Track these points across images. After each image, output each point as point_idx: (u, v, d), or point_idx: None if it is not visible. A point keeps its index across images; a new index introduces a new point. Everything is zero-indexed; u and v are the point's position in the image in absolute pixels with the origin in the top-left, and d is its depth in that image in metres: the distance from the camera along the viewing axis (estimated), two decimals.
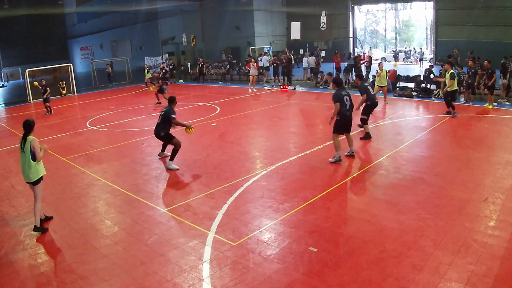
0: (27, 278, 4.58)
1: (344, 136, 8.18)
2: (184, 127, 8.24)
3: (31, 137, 5.67)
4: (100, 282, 4.38)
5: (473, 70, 13.52)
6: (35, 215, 5.70)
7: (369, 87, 9.85)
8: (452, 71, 11.64)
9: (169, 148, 8.47)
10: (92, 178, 7.98)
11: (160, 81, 17.12)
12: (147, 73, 24.46)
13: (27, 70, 21.75)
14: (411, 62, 32.54)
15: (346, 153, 8.18)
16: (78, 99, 21.66)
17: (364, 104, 9.58)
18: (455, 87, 11.77)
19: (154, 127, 8.38)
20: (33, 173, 5.65)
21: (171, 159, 8.19)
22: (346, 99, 7.76)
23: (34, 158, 5.62)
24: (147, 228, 5.66)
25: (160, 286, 4.26)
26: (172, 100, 8.45)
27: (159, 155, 8.99)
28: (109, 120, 14.27)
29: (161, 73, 20.45)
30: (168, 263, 4.70)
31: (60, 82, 22.67)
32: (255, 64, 20.69)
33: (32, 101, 20.78)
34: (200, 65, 25.27)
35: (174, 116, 8.14)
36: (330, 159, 7.89)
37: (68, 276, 4.53)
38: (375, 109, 10.13)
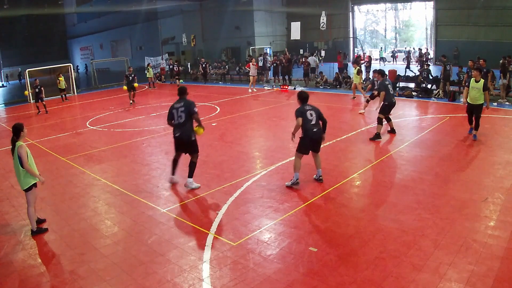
0: (27, 278, 4.58)
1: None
2: (200, 125, 6.82)
3: (19, 143, 5.45)
4: (100, 282, 4.38)
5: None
6: (30, 220, 5.65)
7: (389, 85, 9.63)
8: (482, 79, 9.04)
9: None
10: (92, 178, 7.98)
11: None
12: (150, 71, 24.37)
13: (27, 70, 21.74)
14: (412, 62, 32.48)
15: (314, 176, 7.12)
16: (78, 99, 21.66)
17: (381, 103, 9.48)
18: (482, 100, 9.01)
19: (177, 129, 6.74)
20: (23, 181, 5.49)
21: (191, 175, 6.89)
22: (311, 113, 6.76)
23: (22, 165, 5.43)
24: (147, 228, 5.66)
25: (160, 286, 4.26)
26: (184, 91, 6.91)
27: (171, 181, 7.24)
28: (109, 120, 14.27)
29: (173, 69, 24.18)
30: (168, 263, 4.69)
31: (59, 79, 20.41)
32: (255, 64, 20.69)
33: (32, 101, 20.75)
34: (203, 65, 25.40)
35: (197, 110, 6.73)
36: (287, 183, 6.87)
37: (68, 276, 4.53)
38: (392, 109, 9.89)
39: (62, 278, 4.51)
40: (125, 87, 17.68)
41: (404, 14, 44.07)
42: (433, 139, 9.55)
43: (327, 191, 6.57)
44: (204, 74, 25.47)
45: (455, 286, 3.95)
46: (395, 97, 9.93)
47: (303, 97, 7.03)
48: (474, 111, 9.11)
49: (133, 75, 17.75)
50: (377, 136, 9.50)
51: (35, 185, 5.63)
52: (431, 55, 28.47)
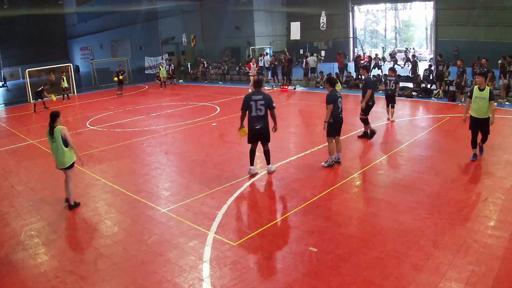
0: (27, 278, 4.58)
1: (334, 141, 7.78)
2: (275, 121, 7.18)
3: (59, 127, 6.22)
4: (100, 282, 4.38)
5: (461, 70, 13.48)
6: (69, 195, 6.39)
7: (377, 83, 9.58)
8: (488, 87, 7.38)
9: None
10: (92, 178, 7.98)
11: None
12: (162, 70, 24.49)
13: (27, 70, 21.77)
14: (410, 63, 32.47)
15: (329, 162, 7.75)
16: (78, 99, 21.66)
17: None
18: (489, 112, 7.35)
19: (258, 122, 7.01)
20: (67, 159, 6.27)
21: (269, 161, 7.45)
22: (340, 100, 7.55)
23: (66, 144, 6.18)
24: (147, 228, 5.66)
25: (160, 286, 4.26)
26: (261, 83, 7.47)
27: (250, 173, 7.43)
28: (109, 120, 14.27)
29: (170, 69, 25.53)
30: (168, 263, 4.69)
31: (63, 77, 20.99)
32: (255, 64, 20.68)
33: (32, 101, 20.77)
34: (204, 65, 25.77)
35: (275, 106, 7.15)
36: (323, 163, 7.69)
37: (68, 276, 4.53)
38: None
39: (62, 278, 4.51)
40: (115, 78, 21.67)
41: (404, 14, 44.13)
42: (433, 139, 9.55)
43: (327, 191, 6.57)
44: (204, 74, 25.66)
45: (455, 286, 3.95)
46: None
47: (332, 82, 7.67)
48: (480, 127, 7.45)
49: (121, 72, 21.66)
50: (365, 134, 9.44)
51: (73, 163, 6.34)
52: (429, 55, 28.47)
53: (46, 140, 6.17)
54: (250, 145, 7.35)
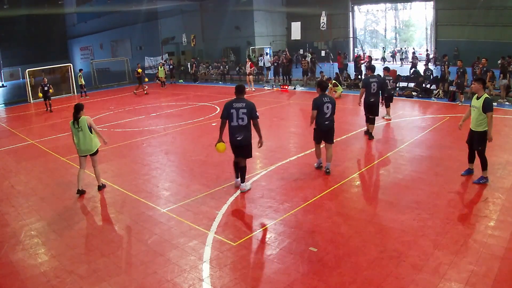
0: (27, 278, 4.58)
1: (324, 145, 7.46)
2: (259, 134, 6.41)
3: (84, 117, 6.82)
4: (100, 282, 4.38)
5: (461, 70, 13.47)
6: (97, 177, 7.19)
7: (373, 83, 9.28)
8: (486, 95, 6.37)
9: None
10: (92, 178, 7.96)
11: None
12: (160, 70, 24.66)
13: (27, 70, 21.78)
14: (410, 63, 32.46)
15: (317, 165, 7.59)
16: (78, 99, 21.66)
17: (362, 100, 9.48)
18: (486, 125, 6.34)
19: (239, 133, 6.30)
20: (94, 145, 6.96)
21: (244, 180, 6.69)
22: (327, 106, 7.00)
23: (91, 131, 6.86)
24: (147, 228, 5.66)
25: (160, 286, 4.26)
26: (242, 89, 6.42)
27: (236, 185, 6.81)
28: (109, 120, 14.26)
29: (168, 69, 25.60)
30: (168, 263, 4.70)
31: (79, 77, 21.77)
32: (250, 64, 20.66)
33: (32, 101, 20.80)
34: (194, 65, 26.19)
35: (258, 115, 6.39)
36: (315, 164, 7.63)
37: (68, 276, 4.53)
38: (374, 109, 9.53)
39: (62, 278, 4.51)
40: (140, 70, 21.76)
41: (404, 14, 44.07)
42: (433, 139, 9.55)
43: (327, 191, 6.57)
44: (195, 74, 26.12)
45: (455, 286, 3.95)
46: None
47: (323, 86, 7.35)
48: (472, 140, 6.55)
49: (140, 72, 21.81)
50: (369, 135, 9.56)
51: (97, 149, 7.05)
52: (431, 55, 28.45)
53: (46, 140, 6.17)
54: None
